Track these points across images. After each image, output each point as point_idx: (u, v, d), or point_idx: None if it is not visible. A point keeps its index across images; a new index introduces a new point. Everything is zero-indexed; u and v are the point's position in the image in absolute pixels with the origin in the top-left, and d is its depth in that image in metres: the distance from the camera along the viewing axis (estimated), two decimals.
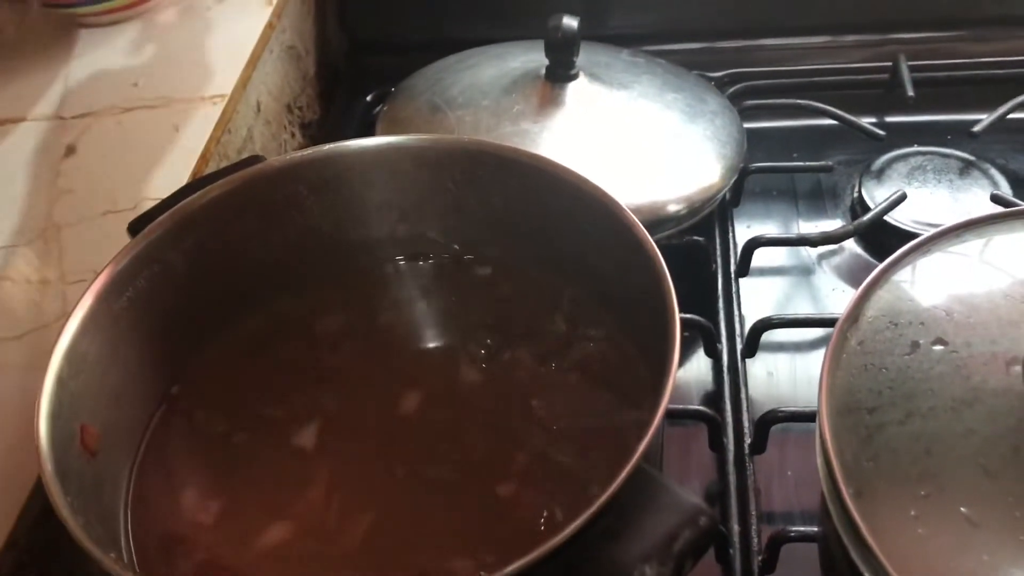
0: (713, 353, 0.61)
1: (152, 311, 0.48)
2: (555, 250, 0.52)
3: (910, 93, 0.75)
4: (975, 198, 0.69)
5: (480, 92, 0.67)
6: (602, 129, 0.65)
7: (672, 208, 0.62)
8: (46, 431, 0.40)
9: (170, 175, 0.61)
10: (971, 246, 0.46)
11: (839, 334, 0.42)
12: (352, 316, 0.54)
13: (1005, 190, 0.69)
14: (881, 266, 0.45)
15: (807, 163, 0.73)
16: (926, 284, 0.44)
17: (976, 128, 0.71)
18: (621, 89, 0.68)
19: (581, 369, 0.50)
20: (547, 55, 0.66)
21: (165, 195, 0.51)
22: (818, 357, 0.42)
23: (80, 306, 0.45)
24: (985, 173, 0.70)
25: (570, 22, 0.64)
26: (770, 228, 0.70)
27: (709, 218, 0.66)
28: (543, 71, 0.67)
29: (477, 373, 0.51)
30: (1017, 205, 0.66)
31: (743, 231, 0.69)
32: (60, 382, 0.42)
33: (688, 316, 0.59)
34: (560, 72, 0.66)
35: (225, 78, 0.70)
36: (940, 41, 0.81)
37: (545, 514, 0.43)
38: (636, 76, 0.70)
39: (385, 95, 0.73)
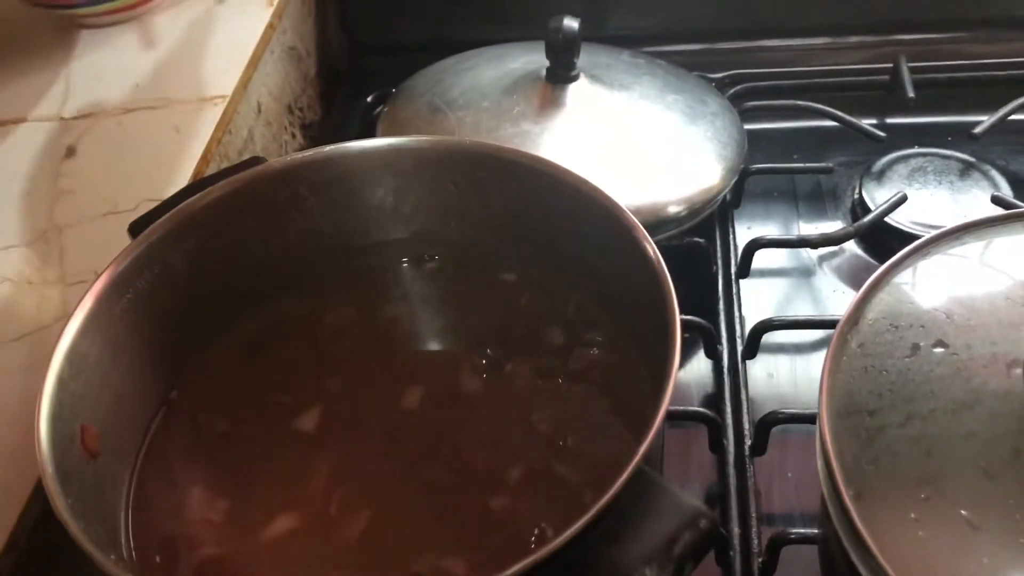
0: (713, 354, 0.61)
1: (153, 312, 0.48)
2: (556, 251, 0.52)
3: (911, 94, 0.75)
4: (976, 200, 0.68)
5: (481, 93, 0.67)
6: (603, 130, 0.65)
7: (672, 209, 0.62)
8: (47, 432, 0.40)
9: (171, 176, 0.61)
10: (972, 248, 0.46)
11: (839, 336, 0.42)
12: (353, 317, 0.54)
13: (1006, 192, 0.69)
14: (882, 268, 0.45)
15: (807, 164, 0.73)
16: (926, 286, 0.44)
17: (977, 130, 0.71)
18: (622, 90, 0.68)
19: (581, 371, 0.50)
20: (548, 56, 0.66)
21: (166, 196, 0.51)
22: (819, 359, 0.42)
23: (81, 307, 0.45)
24: (986, 175, 0.70)
25: (571, 23, 0.64)
26: (770, 229, 0.70)
27: (709, 219, 0.66)
28: (544, 72, 0.67)
29: (477, 375, 0.50)
30: (1018, 207, 0.66)
31: (743, 232, 0.69)
32: (61, 383, 0.42)
33: (688, 317, 0.58)
34: (561, 73, 0.66)
35: (226, 79, 0.70)
36: (941, 42, 0.81)
37: (536, 532, 0.43)
38: (637, 77, 0.70)
39: (386, 96, 0.73)
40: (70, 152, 0.65)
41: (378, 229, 0.55)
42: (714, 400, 0.60)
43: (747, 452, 0.55)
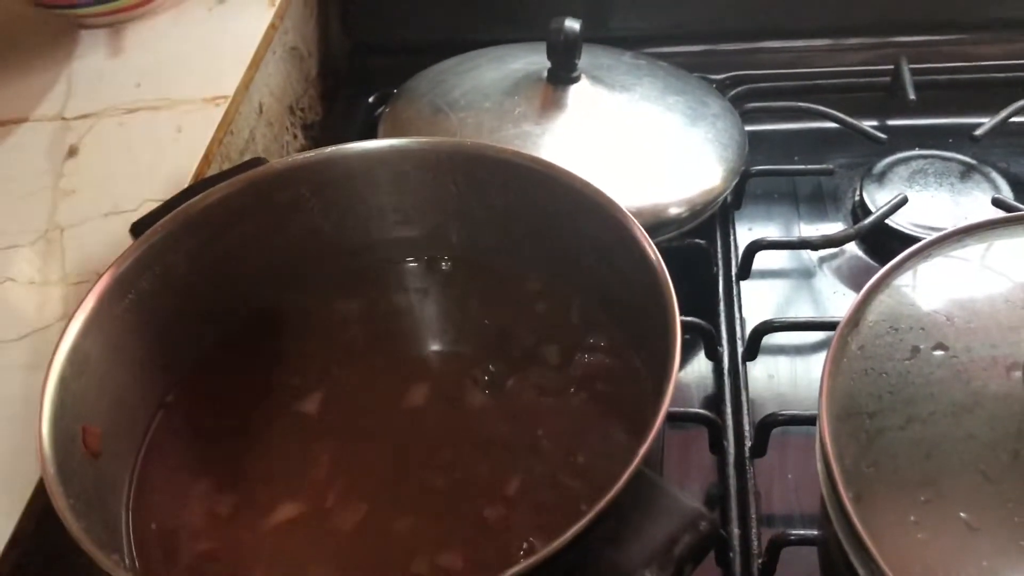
0: (714, 356, 0.61)
1: (154, 312, 0.49)
2: (556, 252, 0.52)
3: (911, 96, 0.75)
4: (976, 202, 0.69)
5: (482, 94, 0.68)
6: (603, 131, 0.65)
7: (673, 211, 0.62)
8: (48, 432, 0.40)
9: (172, 176, 0.61)
10: (972, 250, 0.46)
11: (840, 338, 0.42)
12: (354, 317, 0.55)
13: (1006, 194, 0.69)
14: (882, 270, 0.45)
15: (808, 166, 0.73)
16: (927, 288, 0.45)
17: (978, 132, 0.71)
18: (623, 91, 0.68)
19: (581, 372, 0.50)
20: (549, 57, 0.66)
21: (167, 196, 0.51)
22: (819, 360, 0.42)
23: (82, 307, 0.45)
24: (986, 177, 0.70)
25: (572, 24, 0.64)
26: (771, 231, 0.70)
27: (710, 221, 0.66)
28: (545, 73, 0.67)
29: (477, 375, 0.51)
30: (1018, 209, 0.66)
31: (744, 234, 0.69)
32: (62, 383, 0.42)
33: (689, 319, 0.59)
34: (562, 74, 0.66)
35: (227, 79, 0.70)
36: (942, 44, 0.81)
37: (528, 542, 0.43)
38: (638, 78, 0.70)
39: (387, 97, 0.73)
40: (72, 152, 0.65)
41: (379, 230, 0.55)
42: (714, 401, 0.60)
43: (747, 453, 0.55)
